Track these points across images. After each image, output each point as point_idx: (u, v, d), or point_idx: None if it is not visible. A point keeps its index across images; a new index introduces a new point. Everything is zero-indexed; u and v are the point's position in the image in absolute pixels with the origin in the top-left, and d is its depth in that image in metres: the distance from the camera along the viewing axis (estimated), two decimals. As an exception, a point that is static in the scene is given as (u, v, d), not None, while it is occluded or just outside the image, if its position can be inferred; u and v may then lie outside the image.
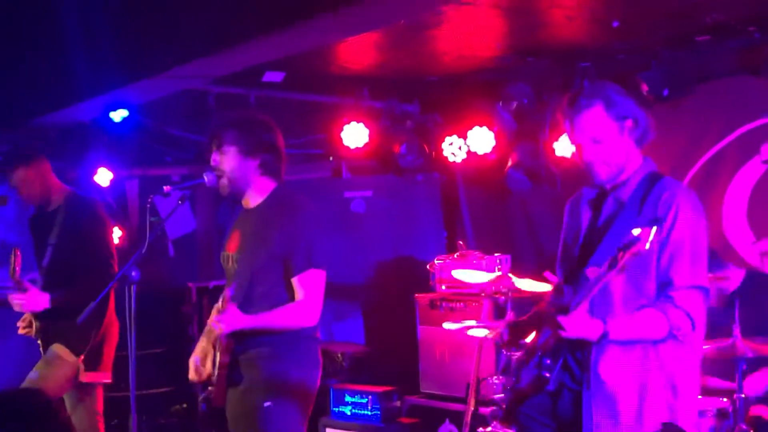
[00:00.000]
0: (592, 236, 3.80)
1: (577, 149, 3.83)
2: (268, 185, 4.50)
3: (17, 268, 5.48)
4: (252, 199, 4.52)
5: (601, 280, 3.44)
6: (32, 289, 5.56)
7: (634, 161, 3.82)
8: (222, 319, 4.23)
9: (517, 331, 3.99)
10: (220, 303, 4.31)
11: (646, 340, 3.60)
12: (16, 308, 5.60)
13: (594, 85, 3.90)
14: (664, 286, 3.58)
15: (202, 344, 4.59)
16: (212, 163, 4.48)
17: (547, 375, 3.67)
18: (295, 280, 4.34)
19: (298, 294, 4.34)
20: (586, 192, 3.96)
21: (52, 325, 5.64)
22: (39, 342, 5.74)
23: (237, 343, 4.35)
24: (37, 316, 5.68)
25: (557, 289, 3.85)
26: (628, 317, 3.57)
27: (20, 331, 5.78)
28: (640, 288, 3.63)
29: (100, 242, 5.67)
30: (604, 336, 3.52)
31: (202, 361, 4.52)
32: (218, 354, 4.41)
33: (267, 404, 4.28)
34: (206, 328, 4.67)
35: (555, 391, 3.75)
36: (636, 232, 3.32)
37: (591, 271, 3.57)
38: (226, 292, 4.26)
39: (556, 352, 3.68)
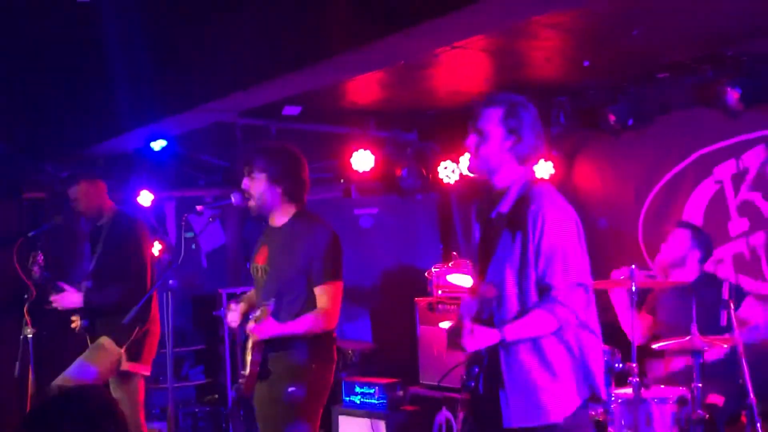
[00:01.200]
0: (486, 249, 3.67)
1: (468, 134, 3.71)
2: (291, 209, 4.51)
3: (35, 269, 5.53)
4: (278, 219, 4.54)
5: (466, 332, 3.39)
6: (69, 289, 5.62)
7: (508, 173, 3.64)
8: (258, 328, 4.26)
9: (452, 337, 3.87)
10: (258, 312, 4.29)
11: (538, 336, 3.49)
12: (55, 305, 5.64)
13: (510, 94, 3.72)
14: (546, 290, 3.48)
15: (242, 305, 4.63)
16: (243, 187, 4.50)
17: (472, 384, 3.59)
18: (317, 290, 4.38)
19: (320, 302, 4.37)
20: (477, 206, 3.83)
21: (99, 322, 5.66)
22: (87, 338, 5.75)
23: (268, 343, 4.37)
24: (83, 314, 5.69)
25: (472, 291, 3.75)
26: (520, 321, 3.46)
27: (72, 325, 5.78)
28: (525, 296, 3.53)
29: (135, 255, 5.65)
30: (502, 341, 3.44)
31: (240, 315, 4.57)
32: (251, 353, 4.43)
33: (291, 389, 4.33)
34: (245, 298, 4.73)
35: (485, 394, 3.61)
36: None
37: (487, 290, 3.51)
38: (269, 307, 4.24)
39: (480, 359, 3.58)
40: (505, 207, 3.63)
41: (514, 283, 3.53)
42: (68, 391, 2.48)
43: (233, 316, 4.57)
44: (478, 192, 3.86)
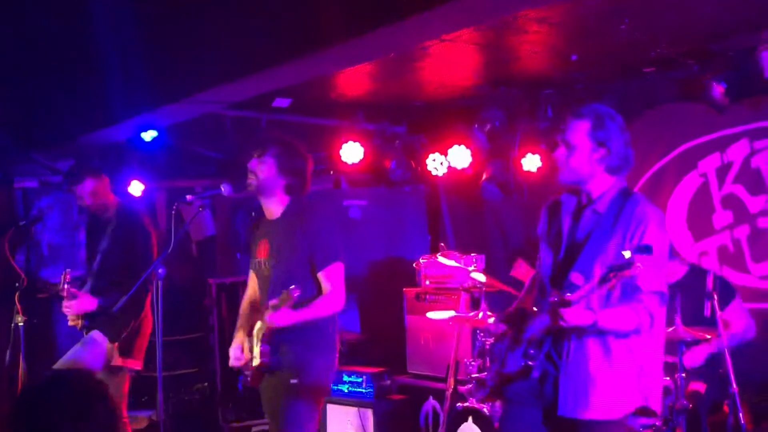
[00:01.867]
0: (573, 245, 3.75)
1: (554, 144, 3.81)
2: (285, 200, 4.56)
3: (66, 285, 5.48)
4: (274, 211, 4.57)
5: (593, 292, 3.42)
6: (81, 295, 5.56)
7: (601, 182, 3.74)
8: (276, 316, 4.29)
9: (503, 322, 3.95)
10: (277, 301, 4.29)
11: (619, 330, 3.57)
12: (66, 311, 5.58)
13: (601, 107, 3.81)
14: (633, 289, 3.54)
15: (239, 336, 4.64)
16: (249, 166, 4.53)
17: (531, 364, 3.66)
18: (320, 275, 4.44)
19: (325, 286, 4.43)
20: (565, 200, 3.89)
21: (94, 316, 5.62)
22: (84, 333, 5.71)
23: (275, 335, 4.40)
24: (85, 315, 5.64)
25: (540, 289, 3.86)
26: (611, 311, 3.54)
27: (70, 323, 5.74)
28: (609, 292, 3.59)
29: (144, 253, 5.61)
30: (594, 324, 3.49)
31: (242, 349, 4.58)
32: (259, 344, 4.44)
33: (294, 381, 4.38)
34: (240, 321, 4.72)
35: (540, 377, 3.72)
36: (627, 255, 3.28)
37: (575, 277, 3.55)
38: (293, 292, 4.23)
39: (540, 344, 3.67)
40: (602, 207, 3.71)
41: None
42: (59, 375, 2.48)
43: (237, 354, 4.59)
44: (545, 191, 3.95)
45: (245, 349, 4.56)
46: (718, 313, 4.97)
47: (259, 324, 4.50)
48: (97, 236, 5.76)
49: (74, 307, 5.55)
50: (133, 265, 5.53)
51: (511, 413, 3.92)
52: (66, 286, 5.46)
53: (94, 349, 5.57)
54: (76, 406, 2.41)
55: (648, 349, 3.69)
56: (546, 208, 4.01)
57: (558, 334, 3.66)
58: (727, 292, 5.49)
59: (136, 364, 5.71)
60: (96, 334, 5.57)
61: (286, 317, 4.31)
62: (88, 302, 5.55)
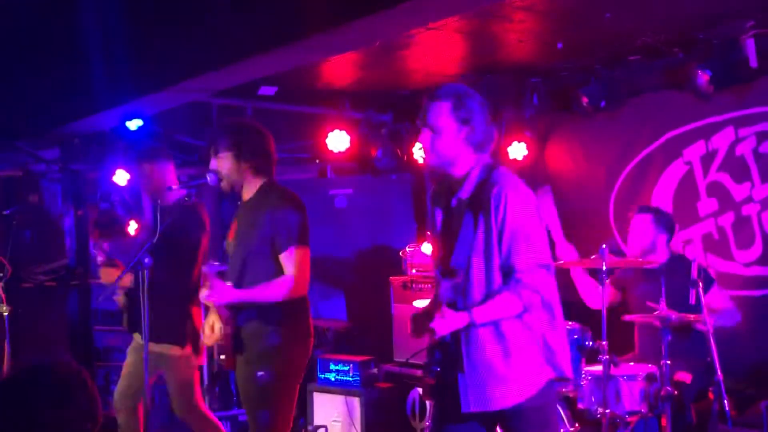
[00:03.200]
0: (449, 239, 3.65)
1: (420, 133, 3.70)
2: (258, 182, 4.51)
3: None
4: (246, 194, 4.53)
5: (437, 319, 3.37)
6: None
7: (466, 161, 3.62)
8: (210, 294, 4.24)
9: (417, 322, 3.76)
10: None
11: (504, 317, 3.48)
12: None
13: (453, 85, 3.71)
14: (510, 272, 3.47)
15: (212, 312, 4.57)
16: (211, 167, 4.49)
17: (437, 369, 3.57)
18: (281, 257, 4.35)
19: (286, 270, 4.34)
20: (436, 192, 3.81)
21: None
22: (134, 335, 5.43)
23: (238, 315, 4.35)
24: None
25: (436, 283, 3.72)
26: (488, 303, 3.46)
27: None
28: (490, 279, 3.52)
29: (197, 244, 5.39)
30: (471, 324, 3.42)
31: (212, 326, 4.52)
32: (222, 326, 4.41)
33: (260, 374, 4.31)
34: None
35: (450, 378, 3.58)
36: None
37: (455, 275, 3.49)
38: (204, 269, 4.24)
39: (443, 345, 3.56)
40: (465, 193, 3.61)
41: (479, 268, 3.51)
42: (39, 364, 2.48)
43: (207, 332, 4.55)
44: (434, 180, 3.86)
45: (215, 328, 4.50)
46: (703, 299, 4.98)
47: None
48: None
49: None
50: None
51: (436, 415, 3.79)
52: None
53: (185, 366, 5.35)
54: (57, 395, 2.41)
55: (546, 320, 3.55)
56: (429, 200, 3.89)
57: (454, 333, 3.52)
58: (707, 279, 5.51)
59: (202, 360, 5.53)
60: (165, 347, 5.25)
61: (225, 295, 4.25)
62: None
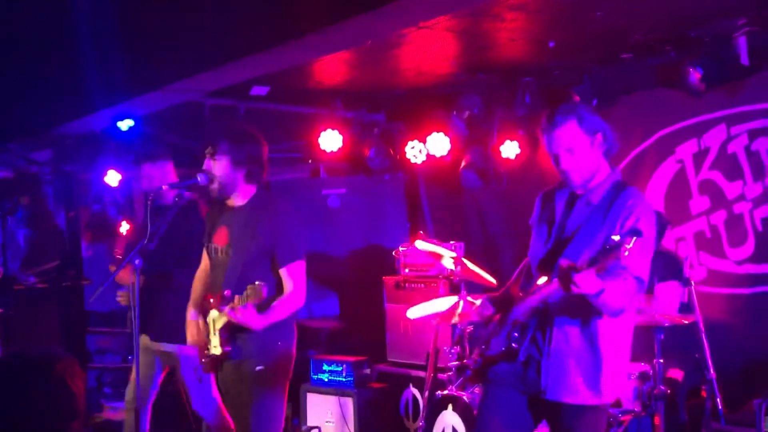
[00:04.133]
0: (564, 234, 3.78)
1: (554, 159, 3.81)
2: (251, 190, 4.50)
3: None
4: (236, 200, 4.52)
5: (583, 271, 3.39)
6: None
7: (603, 170, 3.80)
8: (242, 314, 4.17)
9: (490, 305, 3.96)
10: (243, 296, 4.18)
11: (613, 307, 3.57)
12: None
13: (568, 104, 3.85)
14: (621, 269, 3.49)
15: (191, 313, 4.60)
16: (205, 168, 4.48)
17: (515, 346, 3.69)
18: (282, 271, 4.38)
19: (287, 284, 4.37)
20: (560, 190, 3.92)
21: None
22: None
23: (235, 326, 4.34)
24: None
25: (527, 276, 3.87)
26: (614, 282, 3.48)
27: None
28: None
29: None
30: (600, 292, 3.44)
31: (198, 329, 4.52)
32: (216, 333, 4.40)
33: (259, 368, 4.33)
34: (192, 296, 4.69)
35: (525, 360, 3.74)
36: (616, 238, 3.28)
37: (564, 262, 3.48)
38: (262, 288, 4.13)
39: (525, 328, 3.70)
40: (596, 198, 3.75)
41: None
42: (18, 359, 2.47)
43: (193, 331, 4.54)
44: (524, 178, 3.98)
45: (201, 331, 4.50)
46: (695, 298, 4.99)
47: (215, 314, 4.41)
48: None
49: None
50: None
51: (491, 393, 3.92)
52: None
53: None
54: (37, 390, 2.40)
55: (625, 334, 3.73)
56: (540, 197, 4.03)
57: (542, 319, 3.69)
58: (674, 269, 5.51)
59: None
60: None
61: (253, 319, 4.19)
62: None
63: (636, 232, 3.26)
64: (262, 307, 4.25)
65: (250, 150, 4.47)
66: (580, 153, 3.74)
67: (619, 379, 3.75)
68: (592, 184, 3.78)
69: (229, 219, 4.55)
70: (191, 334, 4.59)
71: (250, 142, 4.50)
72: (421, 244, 6.32)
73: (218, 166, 4.45)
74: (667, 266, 5.39)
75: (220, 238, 4.54)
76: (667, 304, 5.55)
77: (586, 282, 3.41)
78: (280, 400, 4.44)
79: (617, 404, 3.79)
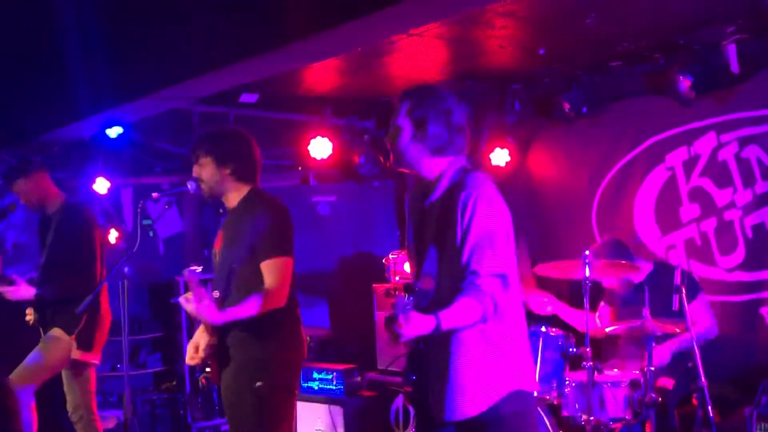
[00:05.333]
0: (417, 245, 3.61)
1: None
2: (243, 189, 4.46)
3: None
4: (231, 202, 4.49)
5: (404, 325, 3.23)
6: (20, 282, 5.55)
7: (432, 164, 3.55)
8: (203, 312, 4.05)
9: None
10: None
11: (466, 324, 3.38)
12: (5, 296, 5.58)
13: (428, 85, 3.63)
14: (469, 275, 3.36)
15: (199, 331, 4.48)
16: (194, 174, 4.46)
17: (414, 377, 3.54)
18: (263, 266, 4.25)
19: (266, 279, 4.24)
20: (411, 195, 3.73)
21: (49, 313, 5.63)
22: (40, 329, 5.71)
23: (222, 328, 4.25)
24: (35, 308, 5.66)
25: (409, 288, 3.60)
26: (452, 308, 3.33)
27: (26, 317, 5.73)
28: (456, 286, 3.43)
29: (85, 245, 5.62)
30: (437, 328, 3.29)
31: (197, 346, 4.40)
32: (207, 336, 4.35)
33: (258, 384, 4.22)
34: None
35: (412, 384, 3.58)
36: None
37: (426, 282, 3.42)
38: (187, 273, 4.06)
39: (419, 352, 3.53)
40: (436, 195, 3.53)
41: (447, 273, 3.45)
42: None
43: (191, 352, 4.45)
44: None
45: (200, 348, 4.38)
46: (686, 306, 4.98)
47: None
48: (45, 233, 5.78)
49: (12, 294, 5.57)
50: (77, 258, 5.56)
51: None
52: None
53: (55, 346, 5.54)
54: None
55: (501, 332, 3.46)
56: (406, 200, 3.81)
57: (426, 340, 3.46)
58: (692, 287, 5.51)
59: (95, 358, 5.73)
60: (54, 330, 5.59)
61: (211, 314, 4.08)
62: (25, 290, 5.57)
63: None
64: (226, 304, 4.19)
65: (231, 147, 4.44)
66: (400, 136, 3.57)
67: (501, 380, 3.45)
68: (431, 176, 3.56)
69: (226, 223, 4.53)
70: (187, 355, 4.49)
71: (230, 139, 4.48)
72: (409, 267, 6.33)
73: (204, 170, 4.42)
74: (688, 285, 5.30)
75: (217, 242, 4.52)
76: (707, 326, 5.54)
77: (413, 329, 3.24)
78: (283, 416, 4.33)
79: (521, 395, 3.58)
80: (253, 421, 4.26)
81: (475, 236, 3.36)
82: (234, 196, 4.46)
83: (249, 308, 4.18)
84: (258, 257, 4.26)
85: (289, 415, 4.40)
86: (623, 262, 5.49)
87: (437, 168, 3.55)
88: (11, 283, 5.54)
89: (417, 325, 3.24)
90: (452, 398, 3.44)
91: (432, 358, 3.49)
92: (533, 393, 3.61)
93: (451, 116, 3.53)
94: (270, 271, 4.25)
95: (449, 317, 3.32)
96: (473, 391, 3.43)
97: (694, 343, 4.95)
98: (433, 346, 3.48)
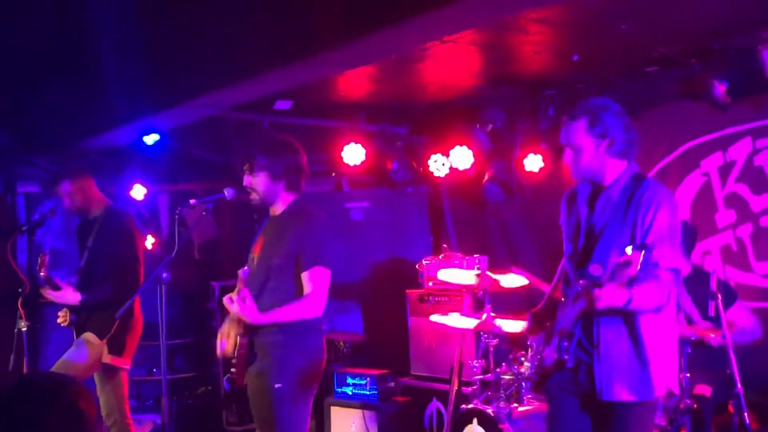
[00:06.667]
0: (591, 234, 3.82)
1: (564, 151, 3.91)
2: (290, 198, 4.53)
3: (43, 269, 5.51)
4: (277, 209, 4.55)
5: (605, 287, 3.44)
6: (66, 287, 5.60)
7: (613, 169, 3.83)
8: (245, 312, 4.21)
9: (536, 319, 4.01)
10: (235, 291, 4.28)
11: (648, 308, 3.62)
12: (53, 300, 5.64)
13: (589, 102, 3.90)
14: (652, 266, 3.52)
15: (226, 325, 4.55)
16: (245, 183, 4.51)
17: (566, 357, 3.71)
18: (304, 275, 4.36)
19: (306, 288, 4.35)
20: (581, 189, 3.96)
21: (85, 316, 5.68)
22: (74, 332, 5.77)
23: (253, 328, 4.35)
24: (72, 310, 5.71)
25: (566, 280, 3.92)
26: (642, 287, 3.52)
27: (59, 320, 5.78)
28: None
29: (127, 250, 5.67)
30: (629, 302, 3.49)
31: (227, 339, 4.49)
32: (239, 336, 4.41)
33: (278, 386, 4.30)
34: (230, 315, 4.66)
35: (574, 366, 3.79)
36: (629, 251, 3.32)
37: (594, 269, 3.51)
38: (240, 274, 4.29)
39: (571, 335, 3.71)
40: (615, 193, 3.79)
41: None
42: (23, 382, 2.45)
43: (222, 344, 4.53)
44: (548, 191, 4.03)
45: (231, 340, 4.47)
46: (723, 312, 4.95)
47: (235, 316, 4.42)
48: (86, 237, 5.83)
49: (57, 298, 5.63)
50: (115, 265, 5.61)
51: (553, 406, 3.98)
52: (43, 270, 5.50)
53: (88, 350, 5.61)
54: (40, 414, 2.37)
55: (668, 326, 3.76)
56: (565, 199, 4.07)
57: (586, 322, 3.71)
58: (729, 295, 5.47)
59: (126, 363, 5.76)
60: (87, 335, 5.64)
61: (255, 317, 4.24)
62: (71, 296, 5.62)
63: (643, 247, 3.31)
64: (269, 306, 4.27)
65: (287, 161, 4.50)
66: (583, 153, 3.82)
67: (667, 371, 3.77)
68: (608, 180, 3.83)
69: (267, 228, 4.60)
70: (218, 348, 4.58)
71: (286, 152, 4.53)
72: (443, 275, 6.35)
73: (258, 182, 4.49)
74: (724, 293, 5.29)
75: (256, 247, 4.58)
76: (751, 326, 5.51)
77: (610, 297, 3.44)
78: (301, 418, 4.39)
79: (671, 394, 3.82)
80: (272, 423, 4.34)
81: (657, 232, 3.63)
82: (280, 203, 4.55)
83: (289, 313, 4.32)
84: (300, 266, 4.36)
85: (306, 420, 4.45)
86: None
87: (615, 173, 3.83)
88: (56, 287, 5.59)
89: (614, 294, 3.44)
90: (623, 380, 3.69)
91: (603, 338, 3.72)
92: (676, 395, 3.94)
93: (626, 119, 3.89)
94: (312, 280, 4.34)
95: (639, 295, 3.52)
96: (653, 376, 3.70)
97: (731, 349, 4.91)
98: (602, 327, 3.71)
